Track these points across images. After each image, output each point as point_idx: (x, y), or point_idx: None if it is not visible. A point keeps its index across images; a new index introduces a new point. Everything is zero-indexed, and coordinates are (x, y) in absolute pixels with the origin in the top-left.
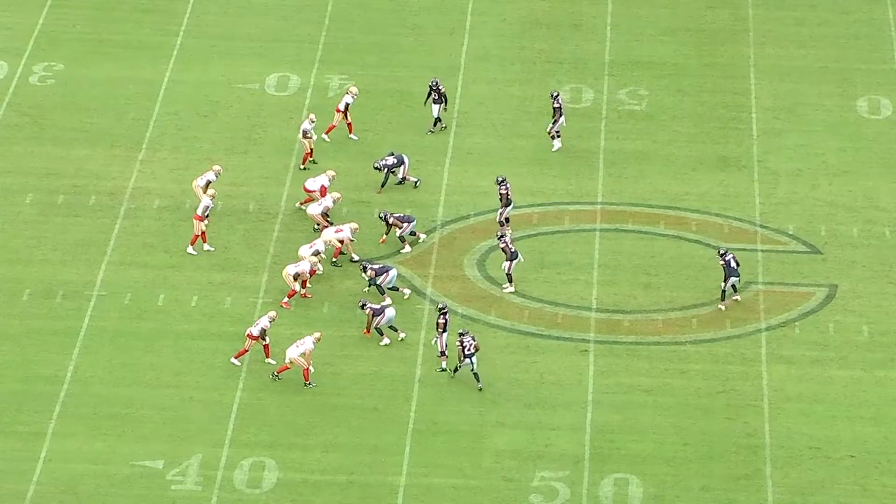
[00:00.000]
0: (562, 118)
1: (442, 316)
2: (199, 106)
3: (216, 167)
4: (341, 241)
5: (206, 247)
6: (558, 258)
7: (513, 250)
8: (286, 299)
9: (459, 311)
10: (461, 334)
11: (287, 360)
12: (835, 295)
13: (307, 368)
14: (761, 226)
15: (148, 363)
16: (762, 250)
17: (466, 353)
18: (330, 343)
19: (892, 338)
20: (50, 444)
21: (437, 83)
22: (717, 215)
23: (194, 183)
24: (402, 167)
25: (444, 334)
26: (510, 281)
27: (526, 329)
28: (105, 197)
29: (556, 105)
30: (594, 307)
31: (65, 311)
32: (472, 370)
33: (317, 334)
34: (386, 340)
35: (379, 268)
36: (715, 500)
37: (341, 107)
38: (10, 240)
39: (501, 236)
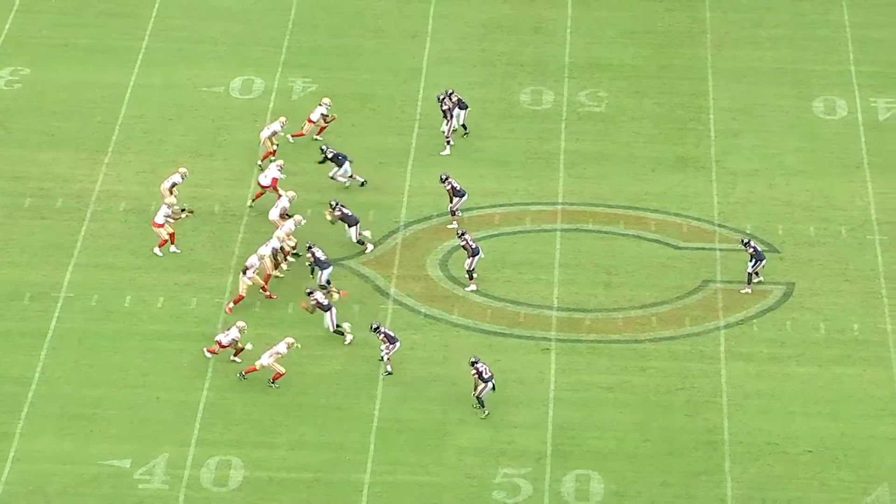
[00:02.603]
0: (453, 120)
1: (379, 333)
2: (164, 109)
3: (182, 169)
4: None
5: (172, 248)
6: (520, 258)
7: (474, 247)
8: (265, 289)
9: (423, 310)
10: (474, 362)
11: (258, 365)
12: (792, 293)
13: (281, 373)
14: (719, 225)
15: (115, 364)
16: (720, 249)
17: (485, 377)
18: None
19: (849, 335)
20: (18, 444)
21: (451, 93)
22: (676, 215)
23: (162, 186)
24: (345, 165)
25: (393, 346)
26: (471, 278)
27: (488, 328)
28: (72, 200)
29: (445, 108)
30: (555, 306)
31: (32, 312)
32: (479, 395)
33: (289, 339)
34: (350, 338)
35: (324, 260)
36: (675, 496)
37: (314, 117)
38: None
39: (462, 234)
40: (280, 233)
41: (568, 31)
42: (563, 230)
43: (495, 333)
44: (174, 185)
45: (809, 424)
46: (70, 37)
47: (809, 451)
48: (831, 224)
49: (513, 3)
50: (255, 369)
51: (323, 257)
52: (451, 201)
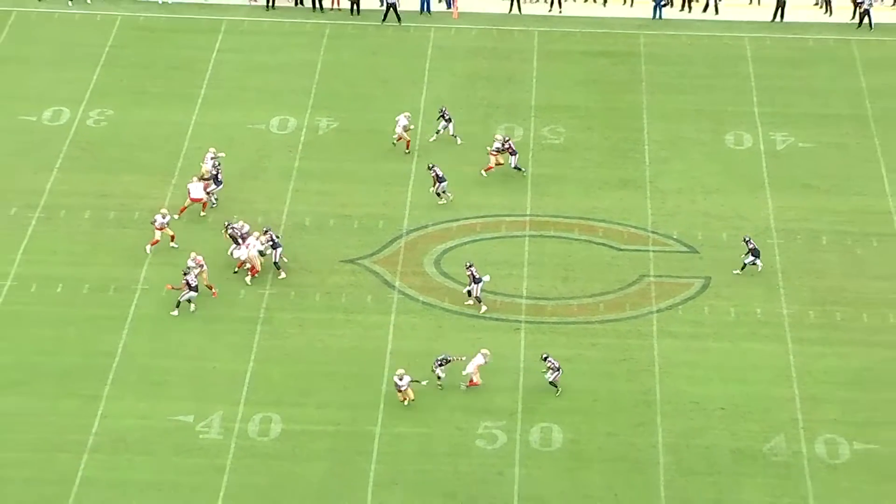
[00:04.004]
0: (450, 123)
1: (440, 365)
2: (218, 142)
3: (212, 149)
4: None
5: (172, 244)
6: (496, 257)
7: (477, 276)
8: (249, 277)
9: (420, 298)
10: (545, 357)
11: (475, 379)
12: (709, 285)
13: (475, 382)
14: (652, 232)
15: (180, 341)
16: (653, 251)
17: (556, 367)
18: (320, 325)
19: (753, 317)
20: (105, 404)
21: (505, 139)
22: (619, 224)
23: (206, 167)
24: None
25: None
26: (479, 301)
27: (472, 312)
28: (146, 213)
29: (445, 117)
30: (524, 295)
31: (116, 301)
32: (554, 381)
33: (485, 351)
34: (175, 312)
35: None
36: (618, 443)
37: (492, 150)
38: (74, 247)
39: (469, 266)
40: (253, 239)
41: (534, 80)
42: (530, 236)
43: (477, 317)
44: (206, 174)
45: (723, 388)
46: (144, 86)
47: (722, 409)
48: (740, 231)
49: (491, 59)
50: (476, 383)
51: (277, 238)
52: (434, 185)
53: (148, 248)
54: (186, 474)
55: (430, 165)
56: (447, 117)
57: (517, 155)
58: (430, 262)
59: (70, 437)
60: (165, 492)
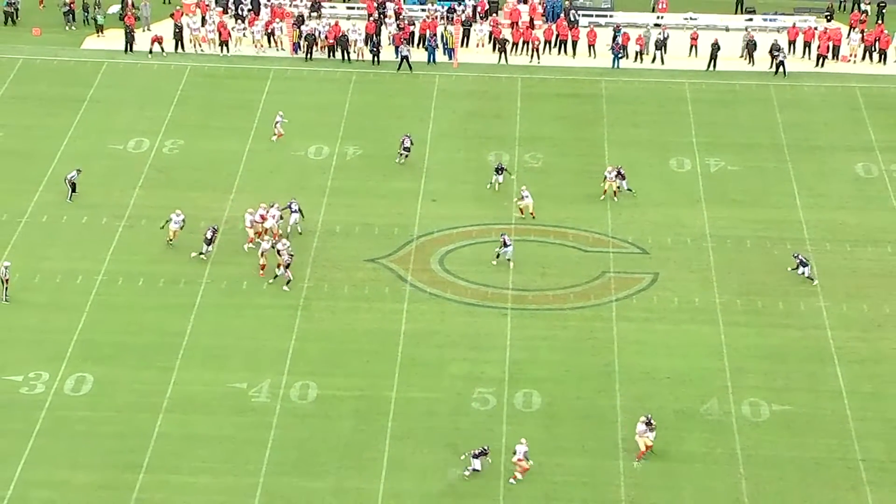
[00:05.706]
0: (501, 175)
1: (479, 458)
2: (267, 165)
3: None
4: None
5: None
6: (488, 257)
7: (508, 242)
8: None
9: (428, 290)
10: (649, 421)
11: (645, 445)
12: (657, 279)
13: (645, 451)
14: (612, 237)
15: (236, 325)
16: (612, 252)
17: (653, 426)
18: (348, 311)
19: (692, 305)
20: (177, 374)
21: (618, 168)
22: (586, 230)
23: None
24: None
25: (480, 457)
26: (509, 261)
27: (468, 301)
28: (209, 222)
29: (501, 168)
30: (510, 287)
31: (186, 291)
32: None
33: (644, 418)
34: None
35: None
36: (584, 405)
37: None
38: (152, 249)
39: (503, 235)
40: (275, 211)
41: (518, 116)
42: (515, 240)
43: (473, 304)
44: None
45: (668, 361)
46: (208, 120)
47: (668, 378)
48: (681, 236)
49: (483, 100)
50: (643, 452)
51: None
52: (400, 149)
53: (245, 246)
54: (241, 429)
55: (403, 138)
56: (500, 169)
57: (626, 179)
58: (435, 261)
59: (149, 399)
60: (224, 444)
